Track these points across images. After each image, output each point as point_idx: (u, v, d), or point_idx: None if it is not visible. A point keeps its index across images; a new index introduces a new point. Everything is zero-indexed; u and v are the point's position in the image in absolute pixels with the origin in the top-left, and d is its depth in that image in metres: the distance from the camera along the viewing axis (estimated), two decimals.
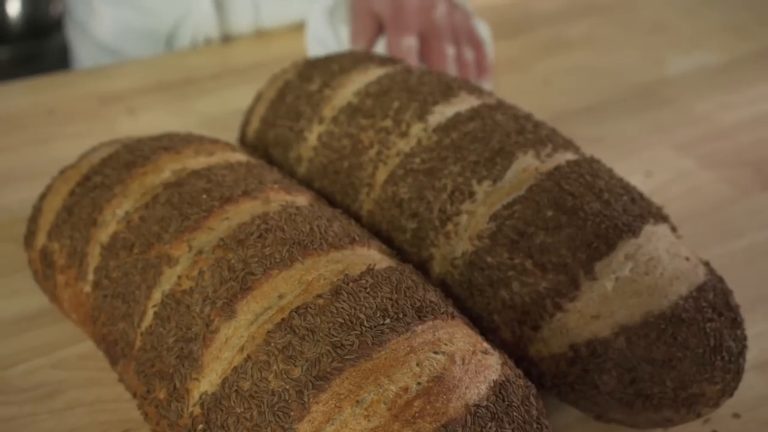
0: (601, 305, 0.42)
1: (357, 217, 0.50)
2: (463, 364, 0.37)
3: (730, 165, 0.69)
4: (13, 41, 2.27)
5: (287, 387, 0.35)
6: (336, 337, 0.36)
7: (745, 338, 0.43)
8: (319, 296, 0.38)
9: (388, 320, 0.37)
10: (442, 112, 0.50)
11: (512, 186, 0.46)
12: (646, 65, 0.85)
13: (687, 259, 0.44)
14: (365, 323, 0.37)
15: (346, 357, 0.35)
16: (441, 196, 0.46)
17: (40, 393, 0.46)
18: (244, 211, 0.43)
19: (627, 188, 0.47)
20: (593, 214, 0.44)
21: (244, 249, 0.40)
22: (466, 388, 0.36)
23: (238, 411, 0.36)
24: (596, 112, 0.76)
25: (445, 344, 0.37)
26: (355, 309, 0.37)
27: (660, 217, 0.46)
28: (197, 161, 0.47)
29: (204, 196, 0.44)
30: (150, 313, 0.41)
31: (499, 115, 0.50)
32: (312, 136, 0.53)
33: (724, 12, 0.97)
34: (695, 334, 0.41)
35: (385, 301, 0.38)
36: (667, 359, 0.41)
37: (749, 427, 0.46)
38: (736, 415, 0.47)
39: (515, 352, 0.44)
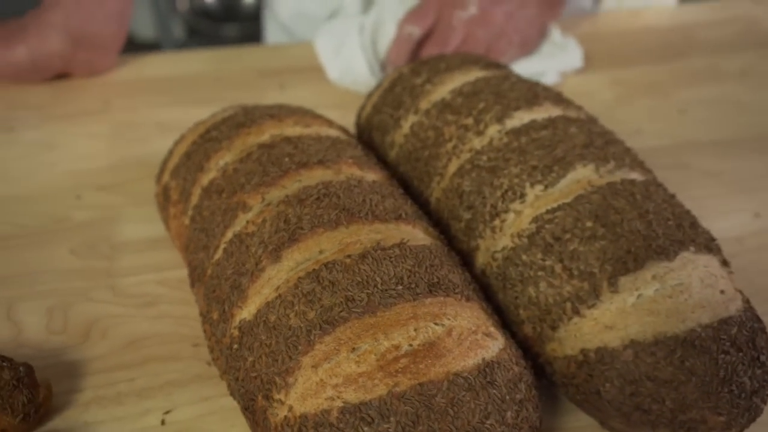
0: (617, 317, 0.44)
1: (427, 203, 0.55)
2: (458, 338, 0.41)
3: None
4: (243, 20, 2.55)
5: (301, 325, 0.41)
6: (350, 292, 0.42)
7: (765, 380, 0.43)
8: (348, 256, 0.44)
9: (400, 287, 0.42)
10: (520, 118, 0.54)
11: (561, 193, 0.48)
12: None
13: (722, 292, 0.45)
14: (378, 285, 0.42)
15: (353, 309, 0.41)
16: (496, 193, 0.50)
17: (142, 301, 0.56)
18: (315, 176, 0.50)
19: (679, 215, 0.47)
20: (630, 231, 0.45)
21: (301, 207, 0.47)
22: (454, 359, 0.40)
23: (262, 338, 0.43)
24: (723, 147, 0.74)
25: (448, 319, 0.41)
26: (374, 272, 0.43)
27: (706, 247, 0.46)
28: (294, 130, 0.55)
29: (286, 159, 0.51)
30: (221, 248, 0.49)
31: (573, 127, 0.53)
32: (406, 125, 0.59)
33: None
34: (704, 362, 0.42)
35: (403, 271, 0.43)
36: (669, 380, 0.42)
37: None
38: None
39: (534, 347, 0.47)
